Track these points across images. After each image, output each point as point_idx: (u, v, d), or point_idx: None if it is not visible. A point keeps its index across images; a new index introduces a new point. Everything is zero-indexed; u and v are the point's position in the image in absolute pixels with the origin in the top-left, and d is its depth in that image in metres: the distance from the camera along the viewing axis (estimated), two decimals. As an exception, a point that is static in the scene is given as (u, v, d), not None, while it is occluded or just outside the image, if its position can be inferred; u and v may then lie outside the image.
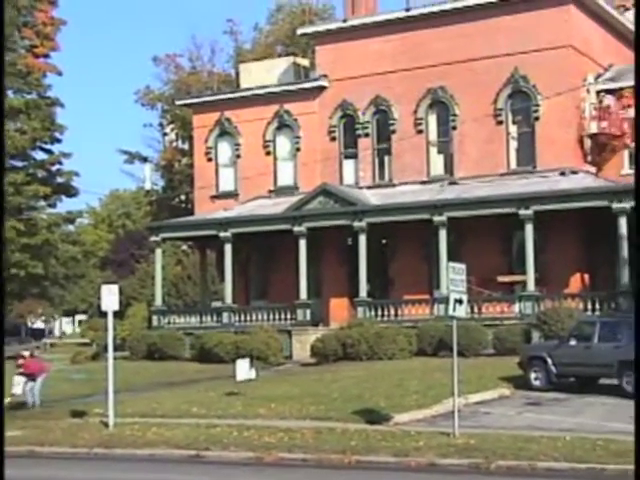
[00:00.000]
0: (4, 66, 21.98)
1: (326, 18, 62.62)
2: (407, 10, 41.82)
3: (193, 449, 20.38)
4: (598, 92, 40.21)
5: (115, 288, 25.06)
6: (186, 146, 70.33)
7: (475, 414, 22.96)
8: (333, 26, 45.01)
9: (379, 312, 39.01)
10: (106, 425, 23.91)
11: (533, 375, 26.95)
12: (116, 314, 26.43)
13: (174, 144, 74.77)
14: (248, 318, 41.93)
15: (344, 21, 44.33)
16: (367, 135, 43.09)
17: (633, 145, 39.36)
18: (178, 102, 53.47)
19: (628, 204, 35.13)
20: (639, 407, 14.75)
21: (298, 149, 44.49)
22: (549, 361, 26.61)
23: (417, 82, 41.36)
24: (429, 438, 19.48)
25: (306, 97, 44.31)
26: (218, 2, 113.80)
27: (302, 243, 40.56)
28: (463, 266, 21.37)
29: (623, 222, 35.19)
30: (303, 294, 40.39)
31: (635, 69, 19.11)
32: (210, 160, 46.74)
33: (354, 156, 43.48)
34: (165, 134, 75.64)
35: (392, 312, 38.95)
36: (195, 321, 43.53)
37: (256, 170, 44.11)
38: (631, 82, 39.99)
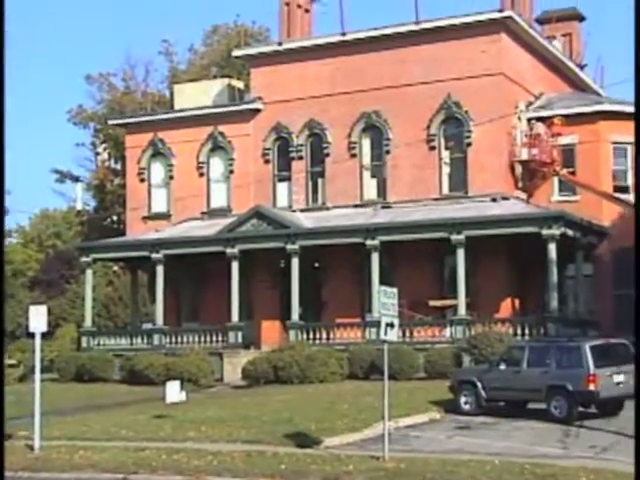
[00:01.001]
0: (4, 66, 21.73)
1: (262, 40, 62.68)
2: (342, 34, 42.07)
3: (121, 473, 20.08)
4: (529, 120, 40.79)
5: (43, 309, 24.66)
6: (119, 166, 69.73)
7: (405, 438, 22.99)
8: (268, 49, 45.13)
9: (311, 335, 38.98)
10: (32, 448, 23.45)
11: (463, 399, 27.08)
12: (45, 335, 26.01)
13: (106, 164, 74.05)
14: (179, 340, 41.61)
15: (279, 44, 44.45)
16: (301, 158, 43.16)
17: (562, 172, 40.00)
18: (111, 122, 53.12)
19: (558, 230, 35.65)
20: (639, 409, 14.86)
21: (232, 171, 44.40)
22: (479, 385, 26.76)
23: (351, 106, 41.57)
24: (359, 462, 19.42)
25: (240, 119, 44.27)
26: (153, 22, 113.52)
27: (234, 265, 40.41)
28: (395, 290, 21.41)
29: (553, 248, 35.66)
30: (235, 316, 40.22)
31: (635, 69, 19.41)
32: (143, 181, 46.45)
33: (288, 179, 43.52)
34: (97, 154, 74.88)
35: (324, 335, 38.94)
36: (125, 343, 43.08)
37: (189, 191, 43.92)
38: (561, 110, 40.77)
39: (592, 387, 24.38)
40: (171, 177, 45.67)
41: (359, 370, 35.99)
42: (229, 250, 40.46)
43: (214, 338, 40.83)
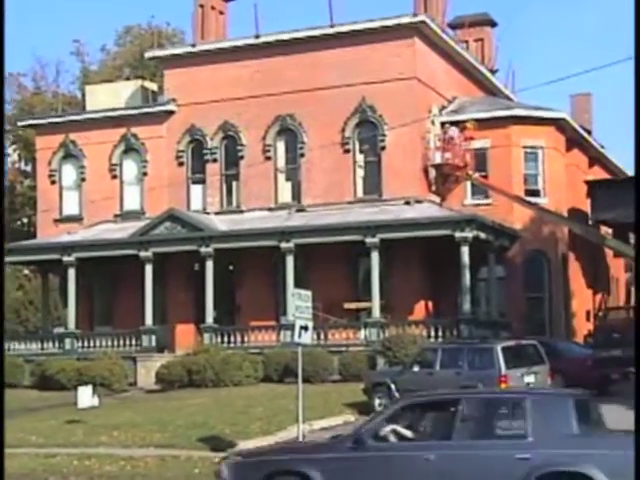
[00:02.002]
0: (4, 67, 21.30)
1: (176, 42, 62.23)
2: (257, 37, 41.99)
3: (31, 480, 19.76)
4: (442, 124, 41.21)
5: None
6: (29, 168, 68.64)
7: (320, 440, 22.97)
8: (182, 50, 44.85)
9: (225, 338, 38.84)
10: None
11: (377, 401, 27.22)
12: (-48, 340, 25.45)
13: (16, 165, 72.87)
14: (92, 344, 41.08)
15: (193, 46, 44.23)
16: (215, 161, 42.96)
17: (475, 176, 40.50)
18: (21, 123, 52.21)
19: (470, 233, 36.09)
20: (639, 408, 14.96)
21: (145, 173, 44.01)
22: (392, 387, 26.92)
23: (266, 109, 41.52)
24: (274, 465, 19.32)
25: (154, 121, 43.90)
26: (64, 22, 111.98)
27: (148, 268, 40.06)
28: (309, 293, 21.45)
29: (465, 250, 36.09)
30: (148, 320, 39.87)
31: (635, 69, 19.65)
32: (54, 183, 45.76)
33: (202, 181, 43.28)
34: (7, 155, 73.61)
35: (239, 338, 38.84)
36: (36, 347, 42.37)
37: (102, 194, 43.37)
38: (474, 115, 41.27)
39: (503, 387, 24.70)
40: (83, 179, 45.07)
41: (274, 373, 35.94)
42: (142, 253, 40.09)
43: (127, 342, 40.41)
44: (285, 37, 41.60)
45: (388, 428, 14.18)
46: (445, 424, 13.90)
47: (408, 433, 14.28)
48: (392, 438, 14.17)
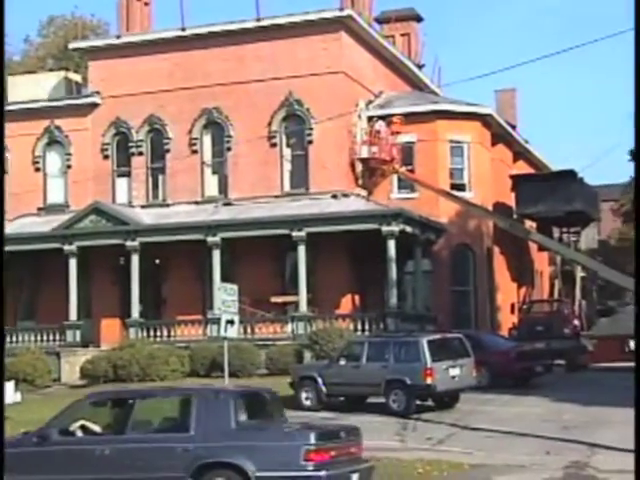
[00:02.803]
0: (4, 67, 20.87)
1: (100, 34, 61.53)
2: (183, 29, 41.67)
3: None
4: (369, 118, 41.35)
5: None
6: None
7: (246, 434, 22.91)
8: (106, 42, 44.35)
9: (151, 333, 38.57)
10: None
11: (304, 395, 27.22)
12: None
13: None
14: (14, 339, 40.45)
15: (118, 37, 43.75)
16: (141, 154, 42.57)
17: (401, 170, 40.69)
18: (-58, 114, 51.07)
19: (397, 227, 36.28)
20: (639, 408, 15.08)
21: (69, 166, 43.45)
22: (319, 381, 26.95)
23: (192, 102, 41.24)
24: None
25: (78, 113, 43.34)
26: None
27: (72, 262, 39.58)
28: (235, 287, 21.43)
29: (392, 244, 36.27)
30: (73, 315, 39.41)
31: (635, 70, 19.72)
32: (-25, 175, 44.91)
33: (127, 175, 42.85)
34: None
35: (165, 333, 38.59)
36: (-43, 343, 41.60)
37: (24, 187, 42.67)
38: (400, 109, 41.46)
39: (429, 381, 24.90)
40: (5, 172, 44.28)
41: (200, 367, 35.76)
42: (67, 247, 39.59)
43: (51, 337, 39.91)
44: (212, 30, 41.35)
45: (77, 423, 15.03)
46: (122, 419, 14.92)
47: (96, 428, 15.13)
48: (79, 433, 15.02)
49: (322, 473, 13.49)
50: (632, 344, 37.36)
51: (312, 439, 13.69)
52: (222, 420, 14.15)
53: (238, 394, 15.05)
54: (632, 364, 36.93)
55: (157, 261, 41.05)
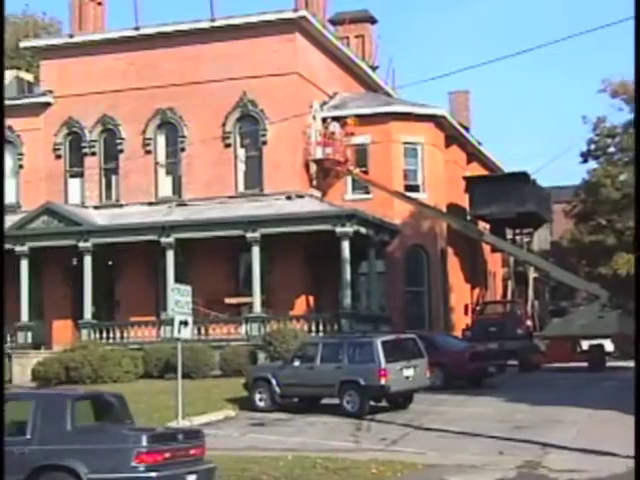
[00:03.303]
0: (4, 67, 20.50)
1: (52, 33, 61.01)
2: (136, 29, 41.42)
3: None
4: (323, 119, 41.37)
5: None
6: None
7: (200, 436, 22.83)
8: (59, 41, 43.97)
9: (104, 334, 38.30)
10: None
11: (258, 396, 27.17)
12: None
13: None
14: (-35, 342, 39.98)
15: (70, 36, 43.37)
16: (94, 154, 42.25)
17: (356, 171, 40.77)
18: None
19: (351, 228, 36.33)
20: (639, 407, 15.14)
21: (21, 166, 43.00)
22: (273, 382, 26.91)
23: (146, 102, 41.00)
24: (152, 462, 19.13)
25: (30, 113, 42.89)
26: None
27: (24, 263, 39.19)
28: (188, 288, 21.30)
29: (346, 245, 36.30)
30: (24, 316, 39.01)
31: (635, 70, 19.76)
32: None
33: (80, 175, 42.51)
34: None
35: (118, 334, 38.33)
36: None
37: (-24, 187, 42.20)
38: (354, 110, 41.51)
39: (383, 381, 24.94)
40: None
41: (154, 369, 35.58)
42: (18, 248, 39.17)
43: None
44: (165, 30, 41.12)
45: None
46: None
47: None
48: None
49: (153, 474, 13.76)
50: (584, 344, 37.76)
51: (144, 441, 13.94)
52: (59, 423, 14.39)
53: (76, 397, 15.28)
54: (584, 364, 37.50)
55: (110, 262, 40.75)
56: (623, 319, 39.35)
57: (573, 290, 48.72)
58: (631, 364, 40.28)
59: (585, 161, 56.62)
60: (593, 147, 56.11)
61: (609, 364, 37.86)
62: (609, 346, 37.67)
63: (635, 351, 22.28)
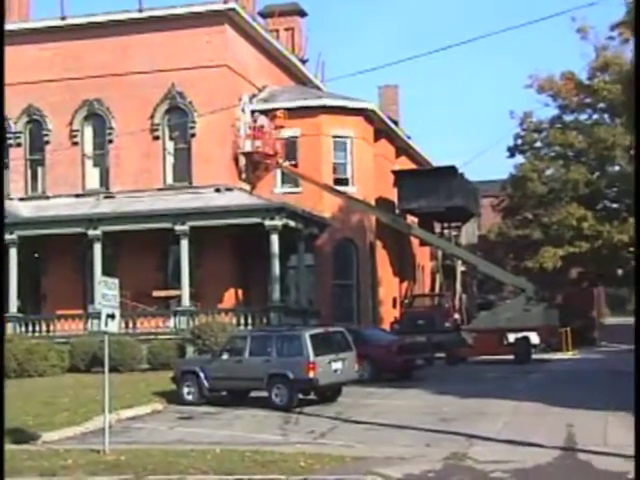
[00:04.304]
0: (4, 67, 19.76)
1: (-22, 22, 59.92)
2: (62, 19, 40.90)
3: None
4: (253, 112, 41.28)
5: None
6: None
7: (127, 430, 22.68)
8: (-16, 30, 43.16)
9: (30, 328, 37.81)
10: None
11: (186, 389, 27.02)
12: None
13: None
14: None
15: (-5, 26, 42.62)
16: (19, 145, 41.66)
17: (285, 164, 40.78)
18: None
19: (280, 221, 36.32)
20: (639, 407, 15.14)
21: (-56, 157, 42.24)
22: (201, 375, 26.78)
23: (73, 93, 40.51)
24: (78, 456, 18.95)
25: (-46, 103, 42.12)
26: None
27: (-53, 256, 38.50)
28: (116, 280, 21.01)
29: (275, 239, 36.29)
30: (-52, 310, 38.36)
31: (635, 69, 19.74)
32: None
33: (5, 166, 41.81)
34: None
35: (44, 327, 37.88)
36: None
37: None
38: (284, 104, 41.50)
39: (312, 374, 24.95)
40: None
41: (81, 363, 35.25)
42: (-60, 241, 38.48)
43: None
44: (93, 20, 40.67)
45: None
46: None
47: None
48: None
49: None
50: (510, 337, 38.25)
51: None
52: None
53: None
54: (510, 356, 37.99)
55: (36, 255, 40.25)
56: (548, 312, 40.01)
57: (500, 283, 49.27)
58: (555, 356, 41.08)
59: (512, 156, 57.27)
60: (520, 142, 56.75)
61: (535, 356, 38.41)
62: (535, 339, 38.21)
63: (635, 350, 22.67)
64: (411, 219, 48.51)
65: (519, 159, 56.98)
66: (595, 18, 77.03)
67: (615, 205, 55.70)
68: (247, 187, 40.69)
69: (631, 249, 52.16)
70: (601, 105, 54.22)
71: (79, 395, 27.54)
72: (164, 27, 39.91)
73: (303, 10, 52.16)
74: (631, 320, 62.08)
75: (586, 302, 53.45)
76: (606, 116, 55.12)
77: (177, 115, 40.27)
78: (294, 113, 40.96)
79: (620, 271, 55.59)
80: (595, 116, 55.67)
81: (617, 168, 54.73)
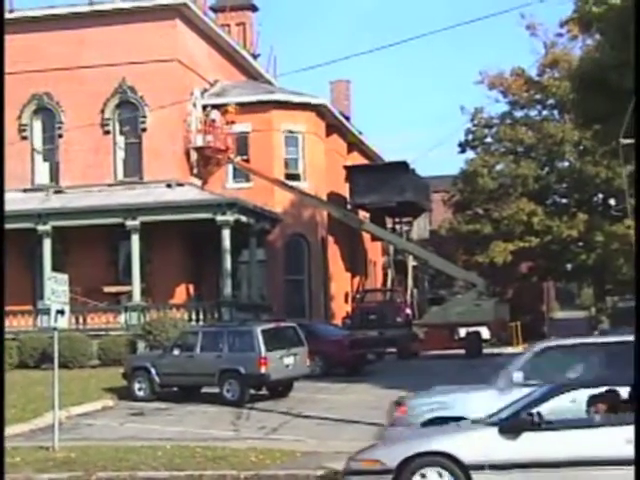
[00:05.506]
0: (4, 67, 19.40)
1: None
2: (11, 11, 40.42)
3: None
4: (204, 107, 41.15)
5: None
6: None
7: (77, 426, 22.53)
8: None
9: (-22, 324, 37.36)
10: None
11: (137, 385, 26.90)
12: None
13: None
14: None
15: (-57, 18, 42.10)
16: (-33, 139, 41.14)
17: (236, 159, 40.71)
18: None
19: (231, 216, 36.25)
20: (639, 407, 15.17)
21: None
22: (153, 371, 26.66)
23: (22, 87, 39.99)
24: (27, 453, 18.80)
25: None
26: None
27: None
28: (65, 276, 20.87)
29: (227, 234, 36.22)
30: None
31: (635, 68, 19.68)
32: None
33: (-47, 161, 41.33)
34: None
35: (-8, 324, 37.44)
36: None
37: None
38: (235, 98, 41.42)
39: (263, 370, 24.97)
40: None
41: (30, 359, 34.94)
42: None
43: None
44: (42, 13, 40.28)
45: None
46: None
47: None
48: None
49: None
50: (461, 332, 38.55)
51: None
52: None
53: None
54: (461, 351, 38.28)
55: (-16, 250, 39.77)
56: (499, 306, 40.37)
57: (451, 278, 49.60)
58: (505, 350, 41.46)
59: (463, 151, 57.65)
60: (471, 137, 57.14)
61: (485, 350, 38.71)
62: (485, 333, 38.53)
63: (635, 350, 22.86)
64: (363, 214, 48.66)
65: (470, 154, 57.45)
66: (544, 15, 77.70)
67: (564, 200, 56.33)
68: (198, 182, 40.57)
69: (580, 244, 52.76)
70: (550, 101, 54.79)
71: (28, 392, 27.30)
72: (115, 21, 39.63)
73: (254, 5, 52.12)
74: (579, 314, 62.84)
75: (536, 297, 54.06)
76: (555, 112, 55.72)
77: (128, 110, 40.01)
78: (245, 108, 40.91)
79: (569, 266, 56.20)
80: (545, 112, 56.26)
81: (566, 164, 55.33)
